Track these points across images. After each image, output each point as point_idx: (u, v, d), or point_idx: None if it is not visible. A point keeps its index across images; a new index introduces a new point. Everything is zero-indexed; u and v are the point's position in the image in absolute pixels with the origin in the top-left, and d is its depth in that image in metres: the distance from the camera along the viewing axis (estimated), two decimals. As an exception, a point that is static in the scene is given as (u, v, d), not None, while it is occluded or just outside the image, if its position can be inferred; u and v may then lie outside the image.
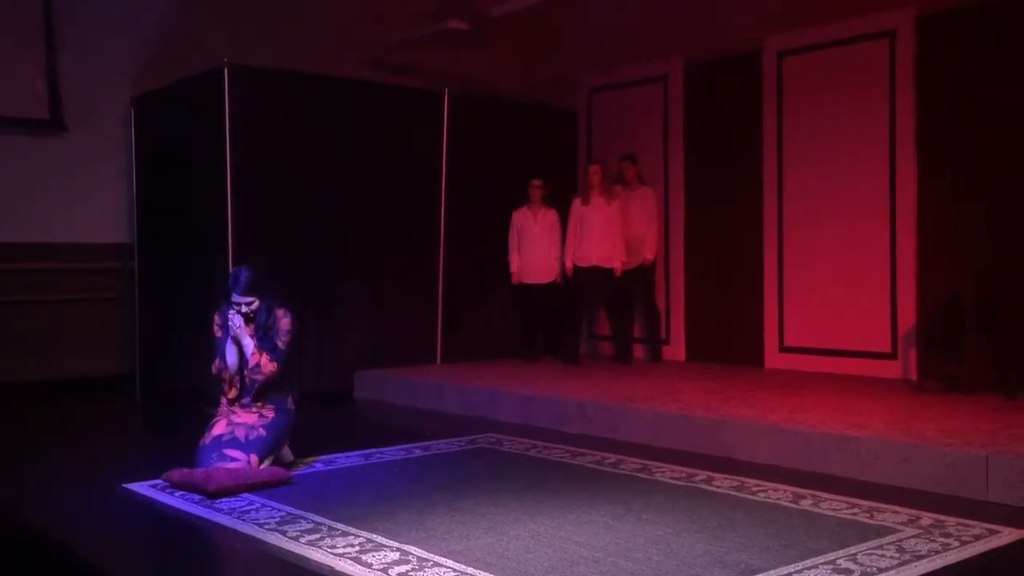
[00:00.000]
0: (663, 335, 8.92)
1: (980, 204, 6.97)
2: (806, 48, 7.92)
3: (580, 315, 8.98)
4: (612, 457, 5.39)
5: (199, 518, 4.19)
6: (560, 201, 8.73)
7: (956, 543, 3.69)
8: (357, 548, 3.67)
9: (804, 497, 4.42)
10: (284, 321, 5.11)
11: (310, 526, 3.98)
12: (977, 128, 6.98)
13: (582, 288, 8.61)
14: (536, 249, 8.65)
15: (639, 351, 8.96)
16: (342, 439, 5.95)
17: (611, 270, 8.42)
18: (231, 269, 5.74)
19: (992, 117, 6.90)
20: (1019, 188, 6.78)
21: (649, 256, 8.61)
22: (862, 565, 3.42)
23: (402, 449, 5.72)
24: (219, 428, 4.95)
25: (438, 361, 8.72)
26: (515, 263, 8.73)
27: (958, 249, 7.07)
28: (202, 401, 6.63)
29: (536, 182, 8.69)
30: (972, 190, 7.02)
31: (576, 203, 8.59)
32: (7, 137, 8.11)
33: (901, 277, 7.35)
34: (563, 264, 8.59)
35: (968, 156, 7.04)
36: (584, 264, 8.47)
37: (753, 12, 8.07)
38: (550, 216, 8.68)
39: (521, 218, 8.74)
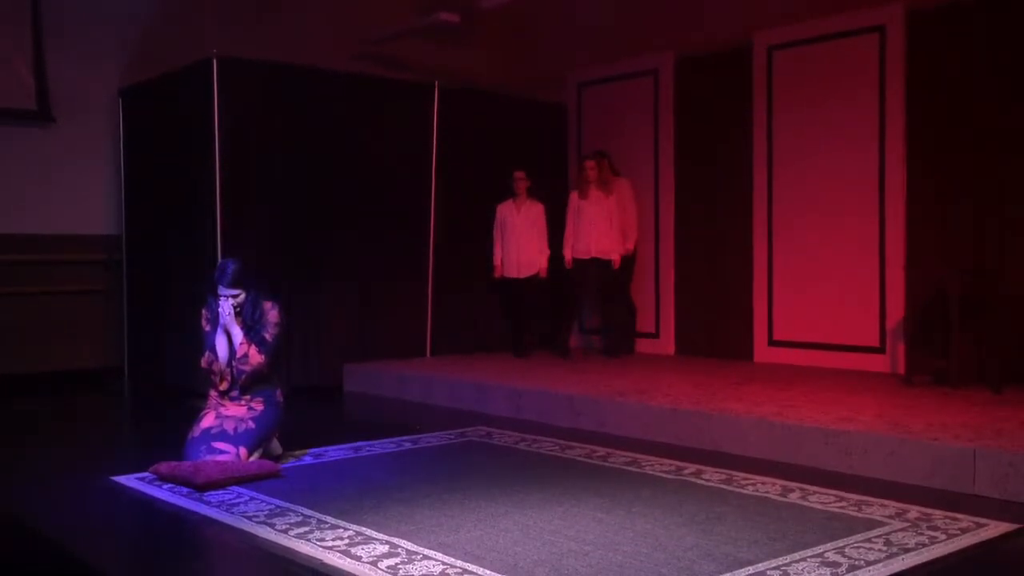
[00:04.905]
0: (653, 329, 8.92)
1: (968, 199, 6.99)
2: (796, 43, 7.92)
3: (571, 309, 8.97)
4: (601, 450, 5.40)
5: (187, 511, 4.18)
6: (550, 195, 8.71)
7: (943, 536, 3.71)
8: (346, 541, 3.66)
9: (792, 490, 4.44)
10: (272, 313, 5.09)
11: (299, 519, 3.97)
12: (966, 124, 6.99)
13: (579, 281, 8.59)
14: (518, 242, 8.56)
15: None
16: (331, 432, 5.94)
17: (609, 262, 8.42)
18: (218, 261, 5.72)
19: (981, 113, 6.92)
20: (1007, 184, 6.81)
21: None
22: (850, 558, 3.43)
23: (392, 442, 5.71)
24: (207, 421, 4.93)
25: (428, 354, 8.72)
26: (498, 256, 8.68)
27: (946, 244, 7.09)
28: (190, 394, 6.61)
29: (519, 174, 8.61)
30: (961, 186, 7.04)
31: (573, 196, 8.57)
32: (-6, 127, 8.09)
33: (890, 271, 7.37)
34: (563, 257, 8.51)
35: (957, 152, 7.06)
36: (583, 256, 8.47)
37: (743, 7, 8.07)
38: (535, 209, 8.61)
39: (505, 210, 8.68)
